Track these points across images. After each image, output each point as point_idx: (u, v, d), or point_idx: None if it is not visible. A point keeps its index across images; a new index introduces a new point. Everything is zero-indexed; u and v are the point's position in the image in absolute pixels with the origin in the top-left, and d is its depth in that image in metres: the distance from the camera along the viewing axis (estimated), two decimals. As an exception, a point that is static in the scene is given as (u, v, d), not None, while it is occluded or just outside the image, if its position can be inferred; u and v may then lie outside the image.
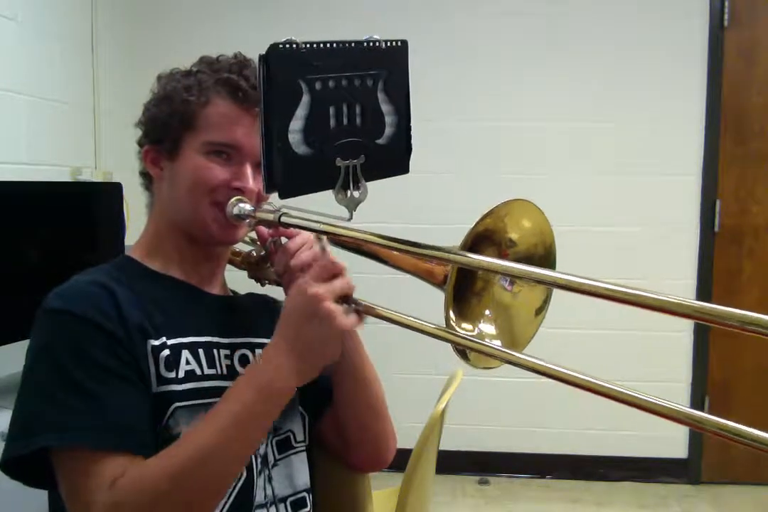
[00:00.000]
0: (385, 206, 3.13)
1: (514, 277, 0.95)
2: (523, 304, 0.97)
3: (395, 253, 0.96)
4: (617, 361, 3.33)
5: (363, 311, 0.97)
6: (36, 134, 2.65)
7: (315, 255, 1.09)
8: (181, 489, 0.92)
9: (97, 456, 0.93)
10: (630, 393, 0.68)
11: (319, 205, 0.94)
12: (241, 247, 1.24)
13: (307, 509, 1.16)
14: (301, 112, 0.83)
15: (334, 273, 0.97)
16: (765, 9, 3.28)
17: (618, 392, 0.69)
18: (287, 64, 0.81)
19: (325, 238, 1.01)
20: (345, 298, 0.96)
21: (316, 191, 0.87)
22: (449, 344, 0.88)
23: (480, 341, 0.88)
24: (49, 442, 0.94)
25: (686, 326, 3.33)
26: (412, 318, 0.92)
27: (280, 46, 0.80)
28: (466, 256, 0.81)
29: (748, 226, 3.34)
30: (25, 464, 0.98)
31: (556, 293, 0.89)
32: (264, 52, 0.80)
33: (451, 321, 0.90)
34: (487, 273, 0.97)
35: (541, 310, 0.97)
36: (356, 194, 0.89)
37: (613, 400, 0.69)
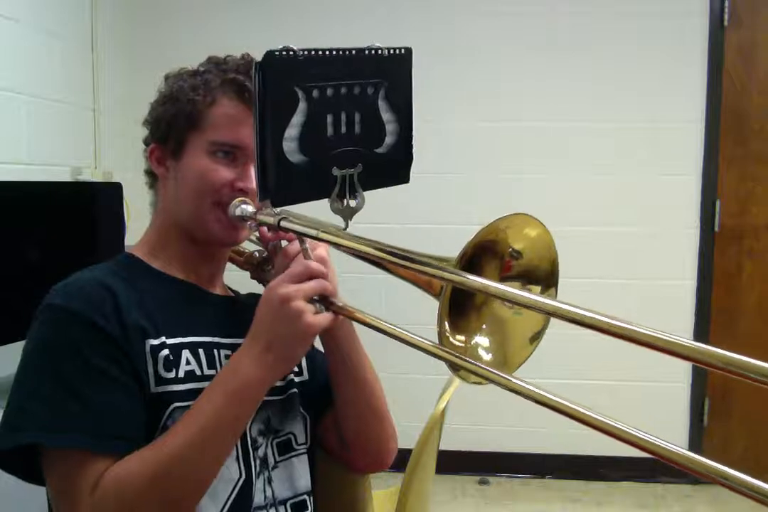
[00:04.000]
0: (385, 207, 3.12)
1: (511, 303, 0.92)
2: (523, 322, 0.95)
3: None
4: (618, 362, 3.32)
5: (338, 312, 0.98)
6: (36, 134, 2.65)
7: (319, 258, 1.09)
8: (160, 488, 0.92)
9: (82, 458, 0.94)
10: (622, 427, 0.65)
11: (324, 210, 0.93)
12: (249, 246, 1.24)
13: (308, 511, 1.16)
14: (297, 119, 0.82)
15: (309, 275, 0.97)
16: (765, 9, 3.27)
17: (610, 426, 0.66)
18: (283, 71, 0.80)
19: (307, 240, 1.01)
20: (321, 299, 0.98)
21: (311, 200, 0.87)
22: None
23: (471, 360, 0.85)
24: (35, 440, 0.95)
25: (686, 327, 3.33)
26: (391, 326, 0.90)
27: (276, 53, 0.80)
28: (459, 275, 0.79)
29: (748, 226, 3.34)
30: (19, 458, 0.98)
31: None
32: (260, 60, 0.80)
33: (446, 332, 0.89)
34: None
35: (538, 336, 0.95)
36: (353, 203, 0.89)
37: (603, 434, 0.67)
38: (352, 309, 0.98)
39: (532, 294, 0.77)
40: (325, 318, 0.97)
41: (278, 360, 0.97)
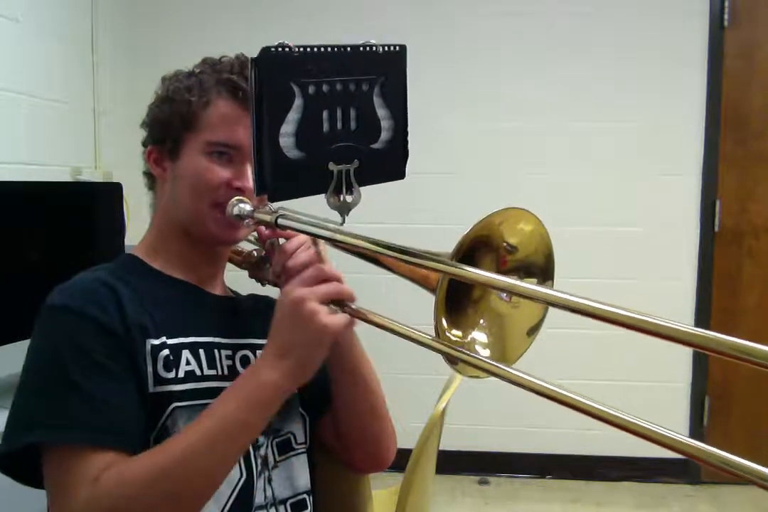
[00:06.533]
0: (384, 207, 3.13)
1: (508, 293, 0.92)
2: (520, 316, 0.94)
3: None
4: (618, 361, 3.33)
5: (353, 314, 0.96)
6: (36, 134, 2.66)
7: (312, 257, 1.09)
8: (162, 487, 0.91)
9: (81, 452, 0.93)
10: (624, 416, 0.65)
11: (321, 207, 0.93)
12: (247, 245, 1.24)
13: (308, 511, 1.16)
14: (293, 115, 0.83)
15: (323, 279, 0.96)
16: (765, 9, 3.27)
17: (610, 415, 0.66)
18: (279, 67, 0.81)
19: (322, 242, 1.00)
20: (335, 303, 0.95)
21: (308, 195, 0.87)
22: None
23: (469, 353, 0.85)
24: (40, 438, 0.95)
25: (686, 326, 3.33)
26: (404, 327, 0.89)
27: (272, 49, 0.80)
28: (455, 267, 0.79)
29: (748, 226, 3.34)
30: (22, 461, 0.98)
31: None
32: (255, 56, 0.80)
33: (443, 326, 0.88)
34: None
35: (535, 329, 0.94)
36: (349, 199, 0.89)
37: (604, 423, 0.66)
38: (366, 311, 0.95)
39: (525, 283, 0.77)
40: (340, 319, 0.94)
41: (295, 366, 0.94)
